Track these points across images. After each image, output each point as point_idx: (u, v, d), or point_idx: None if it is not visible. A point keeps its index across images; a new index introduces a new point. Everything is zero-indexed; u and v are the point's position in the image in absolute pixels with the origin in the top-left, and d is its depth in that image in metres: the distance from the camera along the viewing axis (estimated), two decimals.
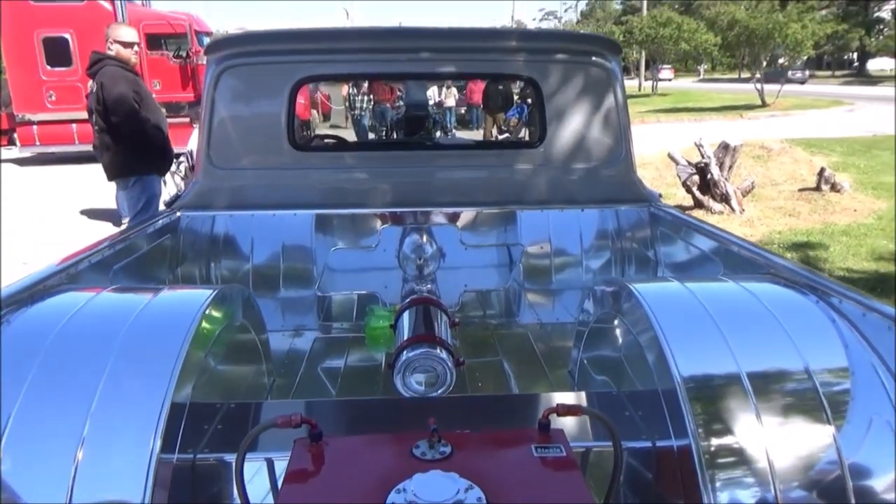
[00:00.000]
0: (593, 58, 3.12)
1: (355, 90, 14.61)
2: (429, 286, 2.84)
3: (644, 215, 3.12)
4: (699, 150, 7.62)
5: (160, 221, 2.91)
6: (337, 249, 3.24)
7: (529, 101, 6.23)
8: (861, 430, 1.56)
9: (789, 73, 32.77)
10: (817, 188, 8.61)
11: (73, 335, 1.71)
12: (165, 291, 1.95)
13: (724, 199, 7.67)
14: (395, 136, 8.49)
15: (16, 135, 15.63)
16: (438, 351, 2.25)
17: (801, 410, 1.56)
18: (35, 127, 14.79)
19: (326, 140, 5.35)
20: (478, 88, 17.60)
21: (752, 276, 2.14)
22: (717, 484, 1.48)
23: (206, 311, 1.79)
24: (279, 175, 3.07)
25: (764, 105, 25.49)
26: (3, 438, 1.44)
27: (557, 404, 1.55)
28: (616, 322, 2.11)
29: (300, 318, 3.24)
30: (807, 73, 43.11)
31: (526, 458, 1.44)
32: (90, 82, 5.07)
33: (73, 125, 14.08)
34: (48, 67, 14.47)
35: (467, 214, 3.28)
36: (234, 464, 1.48)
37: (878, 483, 1.51)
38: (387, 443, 1.54)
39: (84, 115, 5.65)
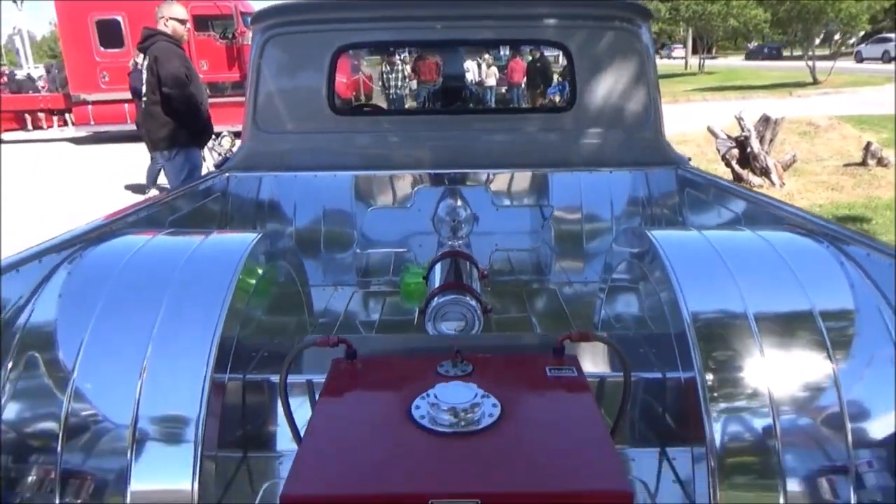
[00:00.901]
0: (624, 24, 3.20)
1: (389, 68, 14.75)
2: (461, 242, 2.99)
3: (672, 177, 3.19)
4: (739, 123, 7.54)
5: (210, 181, 3.12)
6: (374, 209, 3.41)
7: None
8: (861, 367, 1.66)
9: (861, 47, 31.40)
10: (863, 163, 8.42)
11: (136, 270, 1.91)
12: (215, 234, 2.14)
13: (764, 172, 7.58)
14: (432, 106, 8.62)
15: (71, 115, 16.30)
16: (468, 298, 2.40)
17: (804, 348, 1.66)
18: (90, 107, 15.38)
19: (365, 108, 5.53)
20: (518, 67, 17.56)
21: (769, 227, 2.22)
22: (720, 414, 1.60)
23: (253, 251, 1.97)
24: (321, 139, 3.25)
25: (815, 82, 24.69)
26: (77, 361, 1.65)
27: (571, 331, 1.68)
28: (637, 271, 2.22)
29: (339, 275, 3.42)
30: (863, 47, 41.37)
31: (540, 378, 1.58)
32: (132, 60, 5.40)
33: (126, 105, 14.58)
34: (101, 49, 15.01)
35: (500, 177, 3.40)
36: (278, 380, 1.66)
37: (875, 415, 1.60)
38: (414, 363, 1.70)
39: None
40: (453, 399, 1.38)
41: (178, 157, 5.16)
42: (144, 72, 5.15)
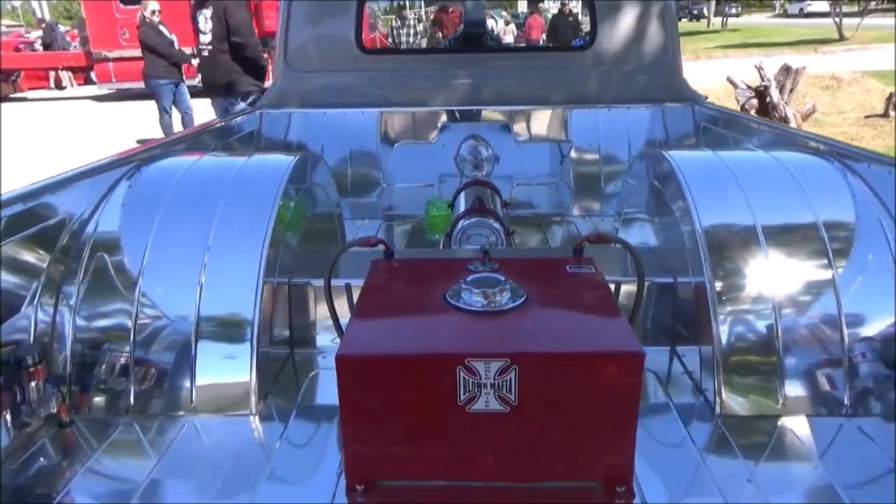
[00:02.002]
0: None
1: (399, 23, 14.68)
2: (484, 173, 3.13)
3: (689, 113, 3.29)
4: (759, 72, 7.52)
5: (245, 117, 3.28)
6: (400, 145, 3.55)
7: None
8: (858, 272, 1.80)
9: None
10: (885, 114, 8.38)
11: (190, 184, 2.09)
12: (258, 155, 2.30)
13: (783, 122, 7.58)
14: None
15: (93, 72, 16.43)
16: (492, 221, 2.54)
17: (807, 256, 1.81)
18: (111, 64, 15.48)
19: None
20: (536, 24, 17.40)
21: (780, 148, 2.34)
22: (726, 316, 1.76)
23: (294, 170, 2.13)
24: (348, 77, 3.38)
25: (842, 39, 24.13)
26: (143, 264, 1.83)
27: (590, 233, 1.83)
28: (652, 193, 2.36)
29: (366, 209, 3.59)
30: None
31: (561, 273, 1.73)
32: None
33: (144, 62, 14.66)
34: (121, 6, 15.02)
35: (521, 114, 3.52)
36: (323, 280, 1.83)
37: (870, 314, 1.76)
38: (447, 263, 1.86)
39: None
40: (482, 285, 1.55)
41: (239, 104, 5.43)
42: (209, 21, 5.48)
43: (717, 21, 39.54)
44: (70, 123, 13.36)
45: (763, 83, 7.48)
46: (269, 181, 2.04)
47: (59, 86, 19.01)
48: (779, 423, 1.67)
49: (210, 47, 5.71)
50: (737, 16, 45.85)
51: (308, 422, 1.76)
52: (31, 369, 1.53)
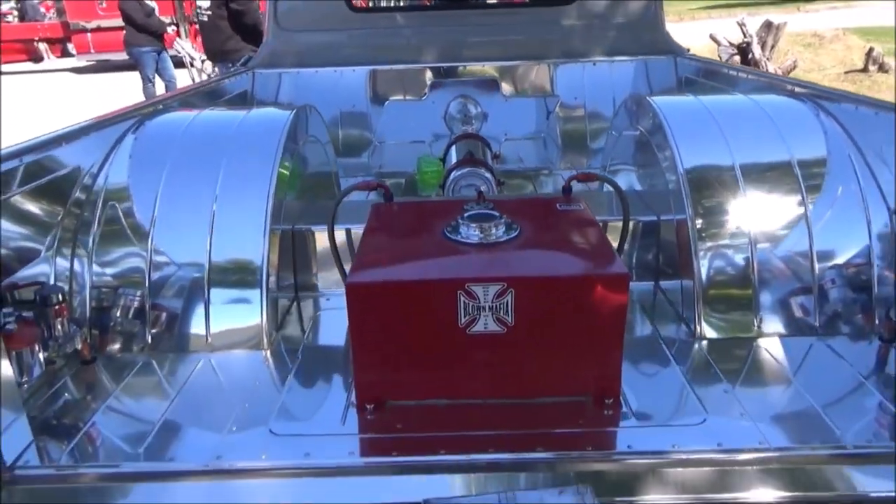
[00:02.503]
0: None
1: None
2: (474, 128, 3.22)
3: (671, 65, 3.39)
4: (741, 28, 7.60)
5: (237, 77, 3.33)
6: (390, 102, 3.63)
7: None
8: (828, 204, 1.92)
9: None
10: (864, 69, 8.50)
11: (194, 136, 2.16)
12: (257, 108, 2.38)
13: None
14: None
15: (71, 44, 16.13)
16: (483, 171, 2.64)
17: (781, 192, 1.93)
18: (89, 35, 15.22)
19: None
20: None
21: (759, 92, 2.44)
22: (706, 251, 1.88)
23: (292, 123, 2.21)
24: (338, 35, 3.44)
25: None
26: (155, 212, 1.91)
27: (577, 172, 1.94)
28: (636, 141, 2.46)
29: (358, 167, 3.67)
30: None
31: (552, 210, 1.85)
32: None
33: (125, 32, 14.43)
34: None
35: (507, 69, 3.60)
36: (327, 223, 1.93)
37: (839, 245, 1.89)
38: (444, 204, 1.96)
39: None
40: (479, 220, 1.65)
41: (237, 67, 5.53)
42: None
43: None
44: (50, 96, 13.19)
45: (745, 40, 7.56)
46: (271, 132, 2.12)
47: (36, 59, 18.63)
48: (755, 343, 1.80)
49: (209, 13, 5.75)
50: None
51: (316, 357, 1.87)
52: (56, 307, 1.62)
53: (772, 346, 1.79)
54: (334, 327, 2.01)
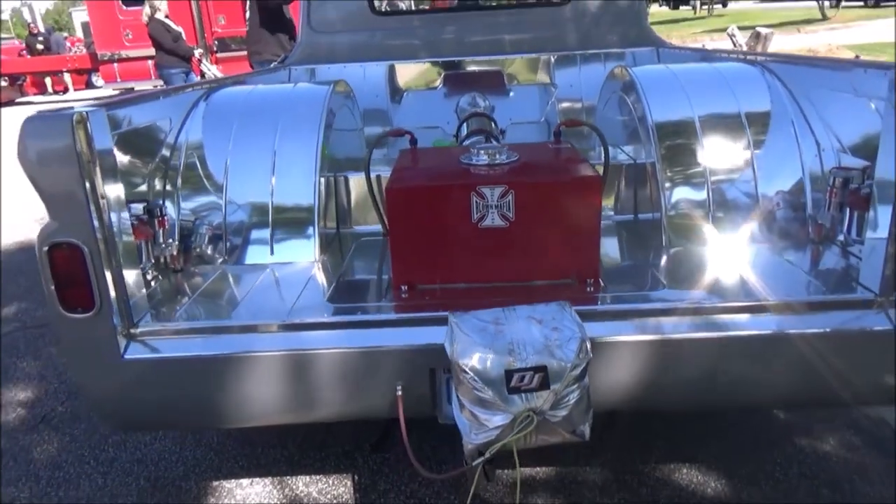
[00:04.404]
0: None
1: None
2: (482, 108, 3.70)
3: (654, 55, 3.87)
4: (731, 38, 8.10)
5: (276, 72, 3.84)
6: (408, 92, 4.12)
7: None
8: (770, 149, 2.37)
9: None
10: None
11: (253, 104, 2.65)
12: (302, 83, 2.86)
13: None
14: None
15: (97, 75, 16.95)
16: (492, 141, 3.11)
17: (732, 139, 2.37)
18: (115, 65, 16.02)
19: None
20: None
21: (723, 62, 2.90)
22: (671, 187, 2.32)
23: (333, 92, 2.69)
24: (363, 35, 3.96)
25: (825, 18, 24.72)
26: (227, 163, 2.38)
27: (566, 119, 2.40)
28: (621, 100, 2.92)
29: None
30: None
31: (545, 147, 2.30)
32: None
33: (149, 62, 15.19)
34: (124, 7, 15.55)
35: (511, 61, 4.11)
36: (363, 168, 2.38)
37: (779, 177, 2.32)
38: (459, 148, 2.42)
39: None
40: (487, 149, 2.12)
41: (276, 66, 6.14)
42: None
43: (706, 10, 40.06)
44: None
45: (735, 48, 8.05)
46: (316, 100, 2.60)
47: (61, 90, 19.52)
48: (711, 249, 2.24)
49: (250, 23, 6.44)
50: (724, 5, 46.53)
51: (357, 265, 2.31)
52: (160, 218, 2.08)
53: (726, 251, 2.22)
54: (369, 255, 2.45)
